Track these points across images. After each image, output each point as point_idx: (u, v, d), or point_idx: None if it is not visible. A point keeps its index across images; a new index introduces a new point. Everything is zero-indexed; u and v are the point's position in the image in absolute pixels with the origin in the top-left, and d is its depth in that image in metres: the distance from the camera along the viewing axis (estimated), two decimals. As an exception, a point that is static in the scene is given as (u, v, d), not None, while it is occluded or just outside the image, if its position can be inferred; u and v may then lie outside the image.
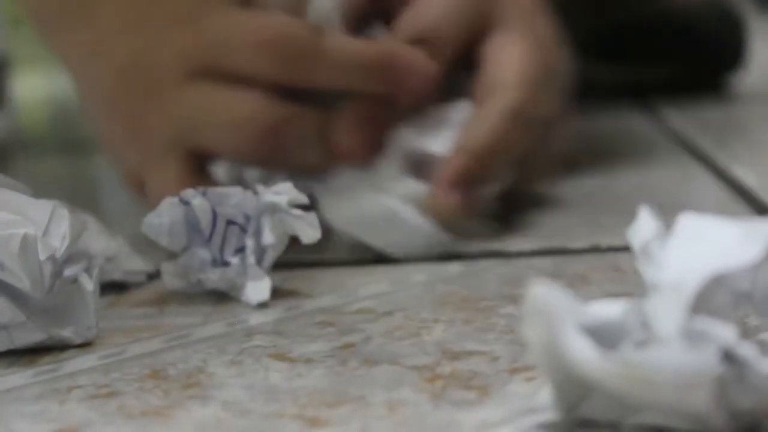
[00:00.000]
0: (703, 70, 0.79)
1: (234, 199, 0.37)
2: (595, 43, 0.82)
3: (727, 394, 0.23)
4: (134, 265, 0.39)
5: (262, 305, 0.36)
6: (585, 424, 0.25)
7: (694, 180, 0.50)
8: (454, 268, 0.39)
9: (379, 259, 0.40)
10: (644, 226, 0.25)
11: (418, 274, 0.38)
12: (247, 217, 0.37)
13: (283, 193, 0.36)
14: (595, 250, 0.40)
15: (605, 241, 0.40)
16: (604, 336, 0.24)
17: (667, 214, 0.28)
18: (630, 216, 0.43)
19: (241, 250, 0.37)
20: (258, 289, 0.36)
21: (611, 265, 0.38)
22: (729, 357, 0.23)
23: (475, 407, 0.27)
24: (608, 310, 0.24)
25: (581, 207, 0.46)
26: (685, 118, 0.68)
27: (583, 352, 0.22)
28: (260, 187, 0.37)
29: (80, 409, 0.28)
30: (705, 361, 0.22)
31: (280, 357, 0.31)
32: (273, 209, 0.36)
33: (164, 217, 0.37)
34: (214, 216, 0.36)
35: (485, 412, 0.26)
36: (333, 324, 0.34)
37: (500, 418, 0.26)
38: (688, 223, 0.25)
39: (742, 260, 0.24)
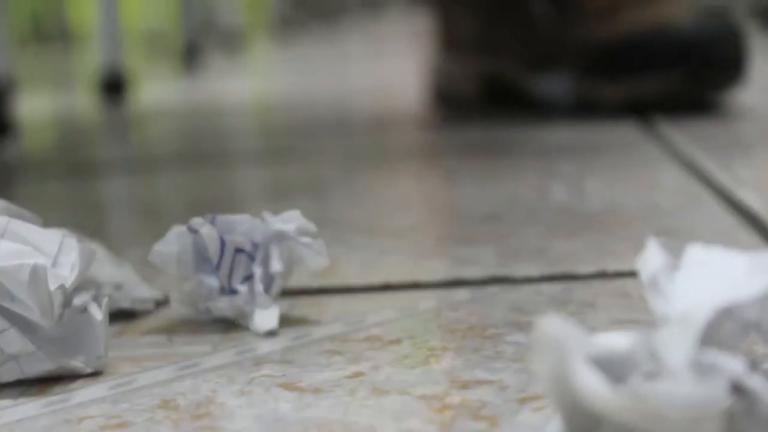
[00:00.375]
0: (702, 86, 0.79)
1: (242, 226, 0.37)
2: (593, 61, 0.82)
3: (736, 426, 0.23)
4: (142, 293, 0.39)
5: (270, 333, 0.36)
6: (594, 455, 0.25)
7: (699, 203, 0.50)
8: (461, 294, 0.39)
9: (385, 286, 0.40)
10: (652, 257, 0.25)
11: (425, 301, 0.38)
12: (255, 245, 0.37)
13: (291, 221, 0.37)
14: (602, 275, 0.40)
15: (612, 266, 0.41)
16: (613, 367, 0.24)
17: (673, 240, 0.28)
18: (636, 241, 0.44)
19: (249, 278, 0.37)
20: (266, 317, 0.36)
21: (618, 290, 0.38)
22: (738, 389, 0.23)
23: (485, 438, 0.27)
24: (616, 341, 0.24)
25: (587, 231, 0.46)
26: (688, 139, 0.68)
27: (592, 385, 0.22)
28: (268, 215, 0.37)
29: (91, 440, 0.28)
30: (714, 393, 0.22)
31: (289, 387, 0.31)
32: (281, 237, 0.37)
33: (172, 245, 0.37)
34: (222, 244, 0.37)
35: (495, 442, 0.26)
36: (341, 352, 0.34)
37: (510, 449, 0.26)
38: (696, 254, 0.25)
39: (751, 292, 0.24)
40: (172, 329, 0.37)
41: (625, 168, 0.61)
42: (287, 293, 0.40)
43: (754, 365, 0.27)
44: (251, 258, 0.37)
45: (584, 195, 0.54)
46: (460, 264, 0.42)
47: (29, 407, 0.31)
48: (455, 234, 0.48)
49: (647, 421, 0.22)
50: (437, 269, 0.42)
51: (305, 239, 0.37)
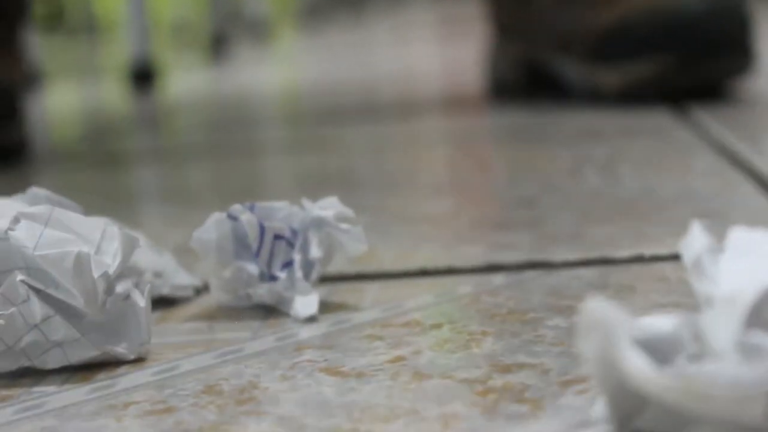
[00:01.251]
0: (700, 70, 0.77)
1: (281, 213, 0.37)
2: (591, 47, 0.81)
3: (783, 407, 0.23)
4: (182, 279, 0.40)
5: (310, 319, 0.36)
6: (639, 437, 0.25)
7: (735, 187, 0.50)
8: (499, 279, 0.39)
9: (423, 271, 0.41)
10: (695, 240, 0.25)
11: (463, 286, 0.38)
12: (294, 232, 0.37)
13: (330, 207, 0.37)
14: (639, 259, 0.40)
15: (649, 250, 0.41)
16: (658, 349, 0.24)
17: (711, 223, 0.28)
18: (672, 225, 0.44)
19: (288, 264, 0.37)
20: (306, 303, 0.36)
21: (657, 274, 0.38)
22: (784, 370, 0.23)
23: (529, 421, 0.27)
24: (661, 323, 0.24)
25: (622, 216, 0.46)
26: (720, 124, 0.68)
27: (638, 366, 0.23)
28: (306, 202, 0.37)
29: (137, 425, 0.29)
30: (760, 373, 0.22)
31: (332, 371, 0.31)
32: (320, 223, 0.37)
33: (212, 232, 0.37)
34: (262, 230, 0.37)
35: (539, 425, 0.27)
36: (382, 337, 0.34)
37: (556, 431, 0.26)
38: (740, 237, 0.25)
39: (796, 273, 0.24)
40: (212, 316, 0.38)
41: (659, 153, 0.60)
42: (326, 279, 0.41)
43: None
44: (290, 244, 0.37)
45: (618, 180, 0.54)
46: (497, 249, 0.43)
47: (74, 393, 0.31)
48: (491, 219, 0.48)
49: (693, 402, 0.23)
50: (474, 255, 0.42)
51: (344, 225, 0.37)
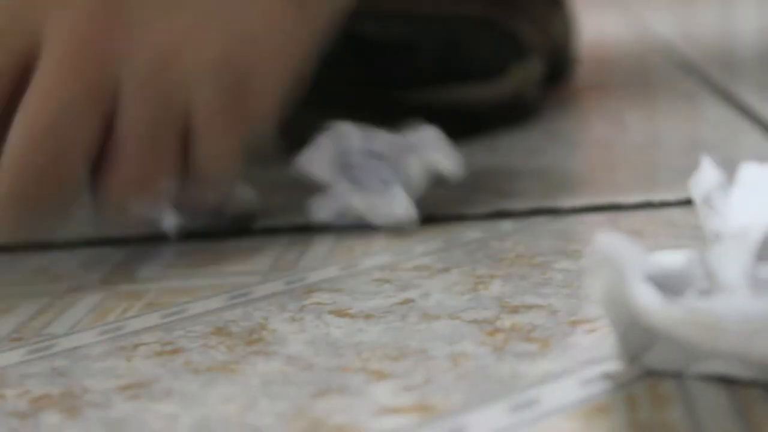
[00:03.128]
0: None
1: (381, 137, 0.39)
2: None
3: (793, 341, 0.23)
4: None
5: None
6: (649, 374, 0.25)
7: (742, 135, 0.50)
8: (507, 225, 0.39)
9: (430, 218, 0.41)
10: (706, 176, 0.25)
11: (471, 232, 0.38)
12: (394, 154, 0.39)
13: (427, 135, 0.39)
14: (648, 205, 0.40)
15: (657, 196, 0.41)
16: (668, 285, 0.24)
17: (721, 160, 0.28)
18: (681, 172, 0.44)
19: (386, 181, 0.39)
20: (404, 206, 0.38)
21: (665, 219, 0.38)
22: (794, 304, 0.23)
23: (538, 359, 0.27)
24: (672, 259, 0.24)
25: (632, 163, 0.46)
26: (727, 75, 0.68)
27: (648, 300, 0.23)
28: (406, 131, 0.40)
29: (147, 365, 0.29)
30: (771, 307, 0.22)
31: (340, 313, 0.31)
32: (418, 147, 0.39)
33: (320, 151, 0.39)
34: (364, 151, 0.38)
35: (548, 363, 0.27)
36: (390, 281, 0.34)
37: (563, 369, 0.26)
38: (750, 173, 0.25)
39: (806, 208, 0.24)
40: (221, 260, 0.38)
41: (666, 102, 0.60)
42: (333, 228, 0.41)
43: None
44: (390, 164, 0.39)
45: (626, 128, 0.54)
46: (505, 197, 0.43)
47: (84, 335, 0.31)
48: (498, 168, 0.48)
49: (704, 335, 0.23)
50: (482, 202, 0.42)
51: (441, 149, 0.39)
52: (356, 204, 0.39)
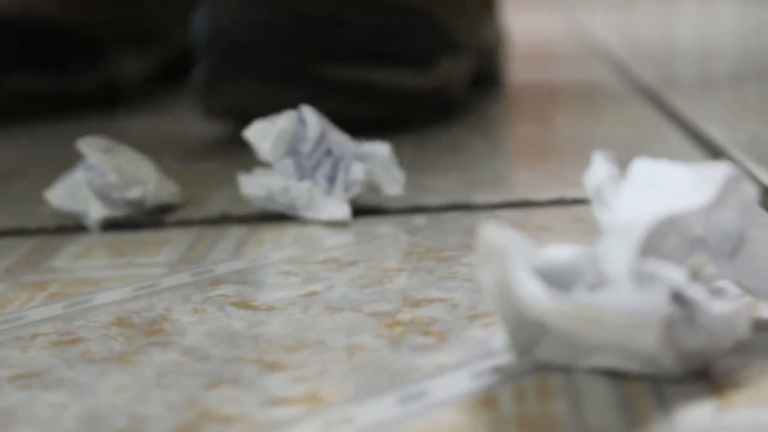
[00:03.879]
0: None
1: (338, 137, 0.40)
2: None
3: (676, 335, 0.23)
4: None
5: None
6: (540, 367, 0.25)
7: (663, 136, 0.50)
8: (420, 220, 0.39)
9: (346, 211, 0.41)
10: (598, 170, 0.25)
11: (384, 226, 0.38)
12: (343, 156, 0.39)
13: (379, 148, 0.40)
14: (560, 202, 0.40)
15: (570, 193, 0.41)
16: (557, 279, 0.24)
17: (615, 154, 0.28)
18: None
19: (330, 178, 0.39)
20: (339, 207, 0.39)
21: (575, 216, 0.38)
22: (678, 298, 0.23)
23: (433, 352, 0.27)
24: (562, 253, 0.25)
25: (549, 161, 0.46)
26: (654, 77, 0.68)
27: (534, 293, 0.23)
28: (362, 140, 0.41)
29: (42, 355, 0.28)
30: (654, 301, 0.22)
31: (243, 305, 0.31)
32: (367, 157, 0.39)
33: (276, 125, 0.39)
34: (321, 139, 0.39)
35: (443, 356, 0.27)
36: (297, 273, 0.34)
37: (457, 362, 0.26)
38: (642, 167, 0.25)
39: (693, 203, 0.24)
40: (131, 252, 0.37)
41: (596, 103, 0.61)
42: (245, 219, 0.41)
43: (695, 276, 0.28)
44: (336, 163, 0.39)
45: (552, 128, 0.54)
46: (421, 192, 0.43)
47: (-17, 325, 0.31)
48: (417, 164, 0.48)
49: (587, 329, 0.23)
50: (398, 197, 0.42)
51: (387, 165, 0.39)
52: (292, 192, 0.39)
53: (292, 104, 0.52)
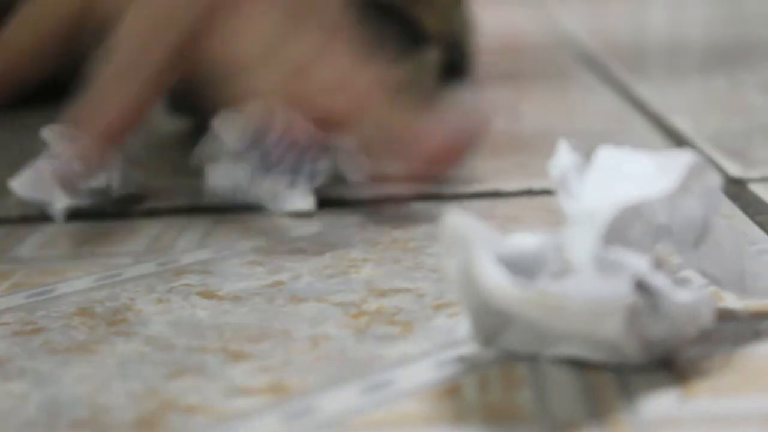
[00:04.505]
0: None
1: (305, 128, 0.39)
2: None
3: (640, 323, 0.23)
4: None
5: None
6: (505, 357, 0.25)
7: (630, 127, 0.50)
8: (388, 210, 0.39)
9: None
10: (563, 158, 0.25)
11: (351, 217, 0.38)
12: (307, 146, 0.39)
13: (342, 139, 0.39)
14: (528, 192, 0.40)
15: (538, 184, 0.41)
16: (523, 267, 0.24)
17: (580, 142, 0.28)
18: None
19: (296, 170, 0.39)
20: (304, 199, 0.39)
21: (543, 206, 0.38)
22: (642, 286, 0.23)
23: (398, 341, 0.27)
24: (526, 242, 0.24)
25: (517, 152, 0.46)
26: (624, 67, 0.68)
27: (497, 281, 0.23)
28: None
29: (3, 345, 0.28)
30: (617, 289, 0.22)
31: (208, 295, 0.31)
32: (330, 149, 0.40)
33: (240, 120, 0.39)
34: (286, 131, 0.39)
35: (407, 345, 0.27)
36: (263, 264, 0.34)
37: (421, 352, 0.26)
38: (607, 155, 0.25)
39: (657, 190, 0.24)
40: (95, 242, 0.37)
41: (564, 94, 0.61)
42: (212, 210, 0.40)
43: (659, 265, 0.28)
44: (301, 154, 0.39)
45: (520, 118, 0.54)
46: (389, 182, 0.42)
47: (-55, 315, 0.31)
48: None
49: (550, 316, 0.23)
50: (365, 187, 0.42)
51: (349, 154, 0.39)
52: (257, 183, 0.39)
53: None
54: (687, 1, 1.23)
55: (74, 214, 0.40)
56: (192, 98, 0.52)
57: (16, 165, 0.50)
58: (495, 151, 0.47)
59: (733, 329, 0.26)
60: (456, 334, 0.27)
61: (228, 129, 0.39)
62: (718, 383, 0.24)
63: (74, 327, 0.29)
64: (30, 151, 0.53)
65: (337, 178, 0.40)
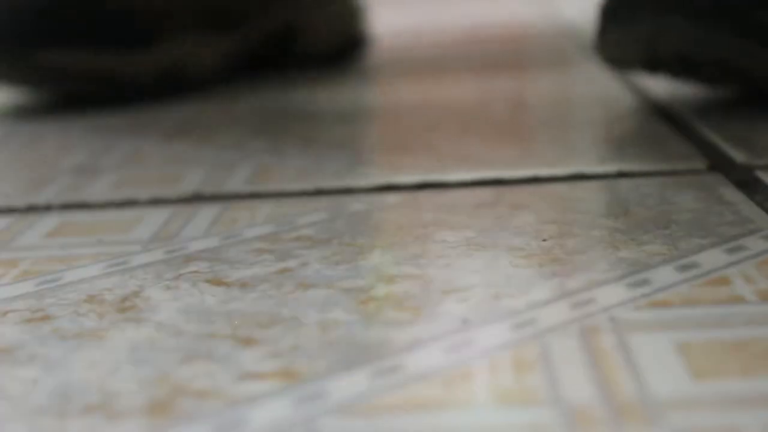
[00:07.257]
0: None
1: None
2: None
3: None
4: None
5: (207, 233, 0.36)
6: (513, 341, 0.25)
7: (636, 115, 0.50)
8: (393, 198, 0.39)
9: (318, 191, 0.40)
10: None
11: (357, 204, 0.38)
12: None
13: None
14: (534, 180, 0.40)
15: (545, 171, 0.41)
16: None
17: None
18: (568, 148, 0.44)
19: None
20: None
21: (550, 193, 0.38)
22: None
23: (407, 327, 0.27)
24: None
25: (523, 140, 0.46)
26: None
27: None
28: None
29: (14, 331, 0.28)
30: None
31: (217, 282, 0.31)
32: None
33: None
34: None
35: (416, 330, 0.27)
36: (270, 251, 0.34)
37: (430, 336, 0.26)
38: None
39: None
40: (101, 230, 0.37)
41: (565, 82, 0.61)
42: (219, 197, 0.40)
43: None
44: None
45: (523, 107, 0.54)
46: (395, 171, 0.42)
47: (-46, 302, 0.31)
48: (393, 143, 0.47)
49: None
50: (371, 176, 0.42)
51: None
52: None
53: None
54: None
55: (81, 204, 0.40)
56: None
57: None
58: (501, 138, 0.47)
59: (742, 311, 0.26)
60: (466, 318, 0.27)
61: None
62: (729, 365, 0.24)
63: (83, 314, 0.29)
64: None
65: (342, 164, 0.40)
